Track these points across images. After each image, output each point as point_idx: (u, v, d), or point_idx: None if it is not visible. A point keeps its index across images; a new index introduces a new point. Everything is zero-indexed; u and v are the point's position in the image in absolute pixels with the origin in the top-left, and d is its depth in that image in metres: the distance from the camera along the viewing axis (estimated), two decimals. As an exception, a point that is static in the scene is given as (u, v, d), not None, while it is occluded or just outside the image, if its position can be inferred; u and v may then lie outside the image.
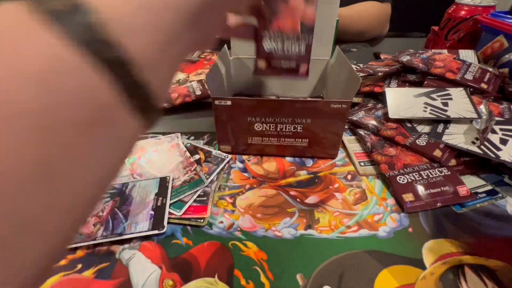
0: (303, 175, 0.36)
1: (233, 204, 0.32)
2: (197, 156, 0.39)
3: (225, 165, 0.38)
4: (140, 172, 0.36)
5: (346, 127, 0.43)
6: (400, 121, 0.40)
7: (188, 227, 0.30)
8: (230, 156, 0.39)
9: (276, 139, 0.37)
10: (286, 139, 0.37)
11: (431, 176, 0.33)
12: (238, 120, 0.36)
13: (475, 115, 0.38)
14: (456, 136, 0.36)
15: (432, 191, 0.31)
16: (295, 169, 0.37)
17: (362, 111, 0.44)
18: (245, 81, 0.49)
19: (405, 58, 0.49)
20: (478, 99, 0.41)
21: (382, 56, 0.64)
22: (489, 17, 0.55)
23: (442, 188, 0.32)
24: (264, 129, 0.36)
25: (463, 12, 0.61)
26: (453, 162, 0.35)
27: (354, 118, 0.42)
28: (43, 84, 0.08)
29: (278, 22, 0.23)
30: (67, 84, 0.08)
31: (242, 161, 0.38)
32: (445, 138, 0.36)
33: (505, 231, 0.28)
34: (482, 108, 0.39)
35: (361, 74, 0.53)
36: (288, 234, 0.29)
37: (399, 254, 0.27)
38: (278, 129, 0.36)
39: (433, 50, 0.52)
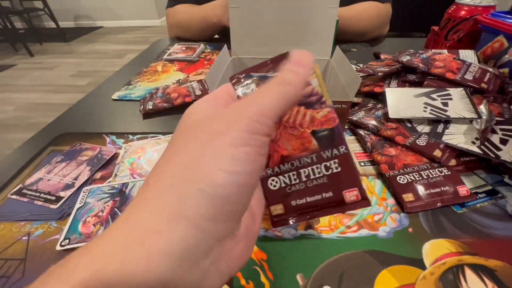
0: (303, 175, 0.36)
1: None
2: (197, 156, 0.39)
3: (225, 165, 0.38)
4: (140, 172, 0.36)
5: (346, 127, 0.43)
6: (400, 121, 0.40)
7: (188, 227, 0.30)
8: (230, 156, 0.39)
9: (276, 139, 0.37)
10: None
11: (431, 176, 0.33)
12: (238, 120, 0.36)
13: (475, 115, 0.38)
14: (456, 136, 0.36)
15: (432, 191, 0.31)
16: (295, 169, 0.37)
17: (362, 111, 0.44)
18: (245, 81, 0.49)
19: (405, 58, 0.49)
20: (478, 100, 0.41)
21: (382, 56, 0.64)
22: (489, 17, 0.55)
23: (442, 188, 0.32)
24: (264, 129, 0.36)
25: (463, 12, 0.61)
26: (453, 162, 0.35)
27: (354, 118, 0.42)
28: None
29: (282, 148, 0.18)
30: None
31: (242, 161, 0.38)
32: (445, 138, 0.36)
33: (505, 231, 0.28)
34: (482, 108, 0.39)
35: (361, 74, 0.53)
36: (288, 234, 0.29)
37: (399, 254, 0.27)
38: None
39: (433, 50, 0.52)
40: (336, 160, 0.18)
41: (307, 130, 0.18)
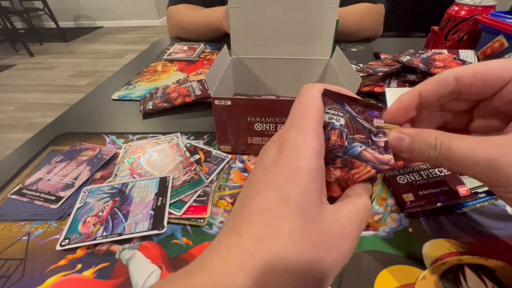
0: (303, 175, 0.36)
1: (233, 204, 0.32)
2: (197, 156, 0.39)
3: (225, 165, 0.38)
4: (140, 172, 0.36)
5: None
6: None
7: (188, 227, 0.30)
8: (230, 156, 0.39)
9: (276, 139, 0.37)
10: (286, 139, 0.37)
11: (431, 176, 0.33)
12: (238, 120, 0.36)
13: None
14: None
15: (432, 191, 0.31)
16: (295, 169, 0.37)
17: (362, 111, 0.44)
18: (245, 81, 0.49)
19: (405, 58, 0.49)
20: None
21: (382, 56, 0.64)
22: (489, 17, 0.55)
23: (442, 188, 0.32)
24: (264, 129, 0.36)
25: (463, 12, 0.61)
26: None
27: (354, 118, 0.42)
28: None
29: None
30: None
31: (242, 161, 0.38)
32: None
33: (505, 231, 0.28)
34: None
35: (361, 74, 0.53)
36: (288, 234, 0.29)
37: (399, 254, 0.27)
38: (278, 129, 0.36)
39: (433, 50, 0.52)
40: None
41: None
